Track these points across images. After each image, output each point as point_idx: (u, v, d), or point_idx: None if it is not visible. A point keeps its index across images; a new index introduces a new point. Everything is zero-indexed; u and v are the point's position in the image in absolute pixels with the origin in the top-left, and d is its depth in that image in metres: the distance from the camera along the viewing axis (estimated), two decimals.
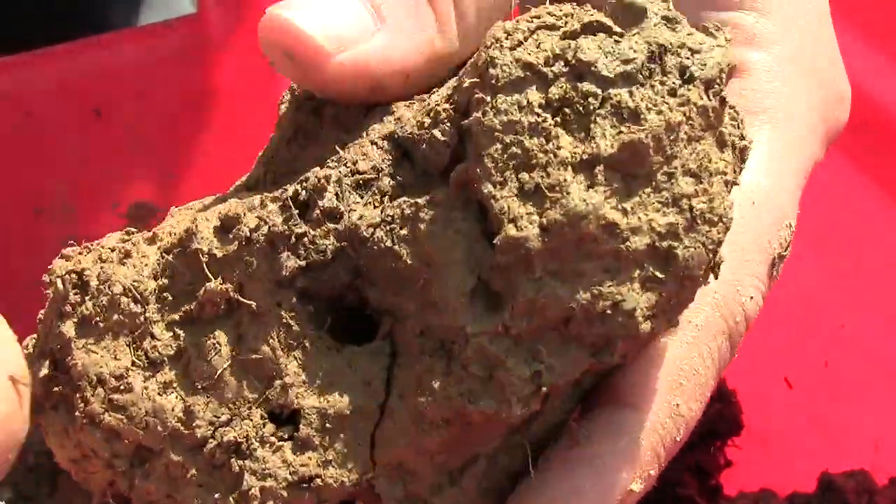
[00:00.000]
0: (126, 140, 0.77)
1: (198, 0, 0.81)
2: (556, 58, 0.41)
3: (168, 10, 0.85)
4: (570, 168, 0.41)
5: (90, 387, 0.43)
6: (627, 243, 0.41)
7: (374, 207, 0.43)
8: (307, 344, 0.44)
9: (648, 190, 0.41)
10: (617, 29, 0.42)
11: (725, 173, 0.42)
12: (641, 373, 0.45)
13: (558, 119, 0.41)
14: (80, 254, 0.44)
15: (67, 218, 0.79)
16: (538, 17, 0.42)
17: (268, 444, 0.43)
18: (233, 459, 0.43)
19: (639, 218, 0.41)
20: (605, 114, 0.41)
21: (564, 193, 0.40)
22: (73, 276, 0.44)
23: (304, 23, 0.43)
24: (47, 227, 0.79)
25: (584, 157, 0.41)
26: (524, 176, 0.41)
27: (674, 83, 0.41)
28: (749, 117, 0.48)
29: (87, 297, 0.43)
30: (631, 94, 0.41)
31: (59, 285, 0.43)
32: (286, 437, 0.43)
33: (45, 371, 0.43)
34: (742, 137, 0.43)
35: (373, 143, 0.44)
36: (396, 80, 0.45)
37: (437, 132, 0.43)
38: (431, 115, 0.43)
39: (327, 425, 0.44)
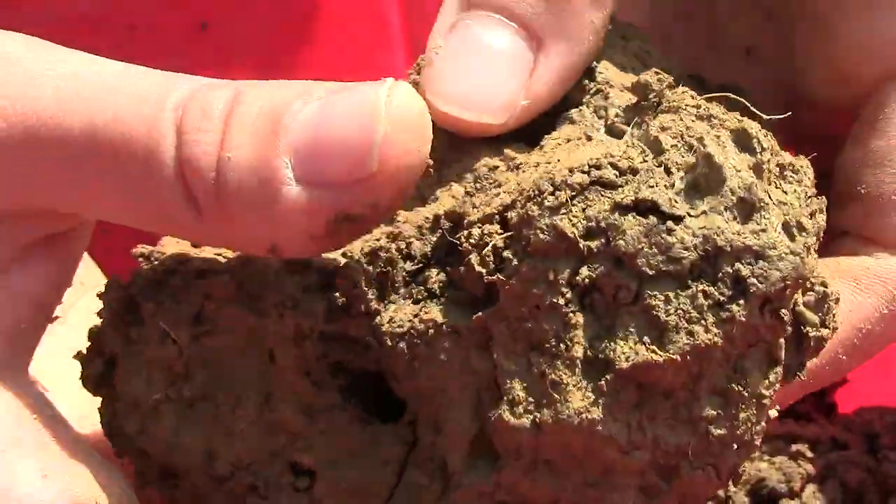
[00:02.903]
0: (231, 53, 0.75)
1: None
2: (598, 232, 0.37)
3: None
4: (577, 370, 0.37)
5: (128, 407, 0.43)
6: (626, 457, 0.37)
7: (410, 304, 0.41)
8: (335, 413, 0.43)
9: (663, 406, 0.37)
10: (676, 211, 0.37)
11: (763, 396, 0.38)
12: None
13: (584, 303, 0.37)
14: (143, 262, 0.44)
15: None
16: (597, 167, 0.38)
17: (285, 492, 0.43)
18: (252, 495, 0.43)
19: (643, 434, 0.37)
20: (635, 315, 0.37)
21: (563, 399, 0.37)
22: (124, 300, 0.44)
23: (468, 113, 0.42)
24: None
25: (598, 358, 0.37)
26: (534, 357, 0.38)
27: (721, 296, 0.37)
28: None
29: (134, 324, 0.43)
30: (667, 300, 0.37)
31: (111, 305, 0.43)
32: (302, 488, 0.43)
33: (98, 369, 0.44)
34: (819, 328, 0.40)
35: (426, 224, 0.42)
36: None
37: (475, 260, 0.39)
38: (477, 231, 0.40)
39: (338, 494, 0.43)
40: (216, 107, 0.39)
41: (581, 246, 0.37)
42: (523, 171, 0.41)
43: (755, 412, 0.38)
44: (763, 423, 0.39)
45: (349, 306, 0.41)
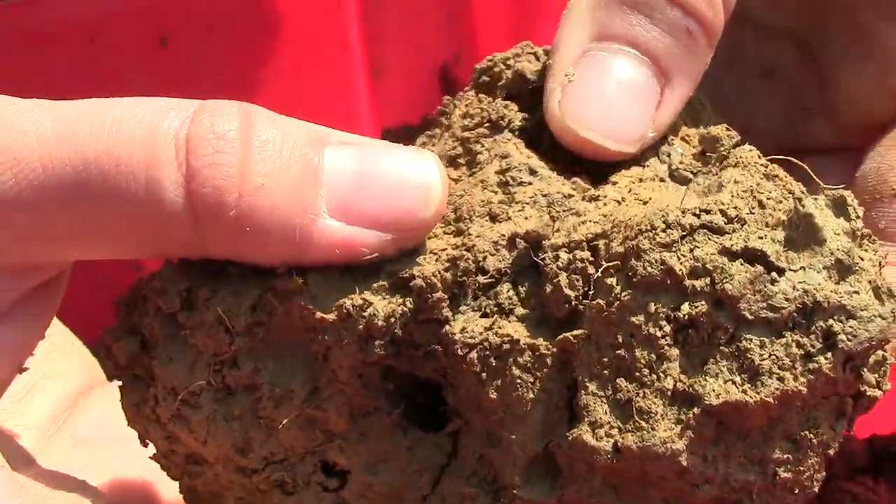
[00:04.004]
0: (192, 70, 0.75)
1: None
2: (704, 273, 0.38)
3: None
4: (666, 399, 0.38)
5: (163, 391, 0.43)
6: (695, 490, 0.39)
7: (482, 317, 0.42)
8: (376, 417, 0.43)
9: (739, 444, 0.39)
10: (781, 263, 0.38)
11: (829, 446, 0.39)
12: None
13: (679, 338, 0.39)
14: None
15: None
16: (707, 212, 0.39)
17: (312, 490, 0.43)
18: (277, 490, 0.43)
19: (716, 469, 0.39)
20: (728, 355, 0.38)
21: (650, 426, 0.38)
22: (179, 284, 0.43)
23: (608, 141, 0.43)
24: None
25: (687, 391, 0.38)
26: (621, 383, 0.39)
27: (811, 348, 0.38)
28: None
29: (184, 308, 0.43)
30: (762, 345, 0.38)
31: (169, 288, 0.43)
32: (331, 488, 0.43)
33: (132, 348, 0.44)
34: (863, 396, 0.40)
35: (502, 241, 0.42)
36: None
37: (563, 282, 0.41)
38: (565, 255, 0.41)
39: (369, 497, 0.43)
40: (228, 129, 0.39)
41: (686, 283, 0.38)
42: (605, 205, 0.43)
43: (819, 461, 0.40)
44: (823, 473, 0.40)
45: (417, 311, 0.42)
